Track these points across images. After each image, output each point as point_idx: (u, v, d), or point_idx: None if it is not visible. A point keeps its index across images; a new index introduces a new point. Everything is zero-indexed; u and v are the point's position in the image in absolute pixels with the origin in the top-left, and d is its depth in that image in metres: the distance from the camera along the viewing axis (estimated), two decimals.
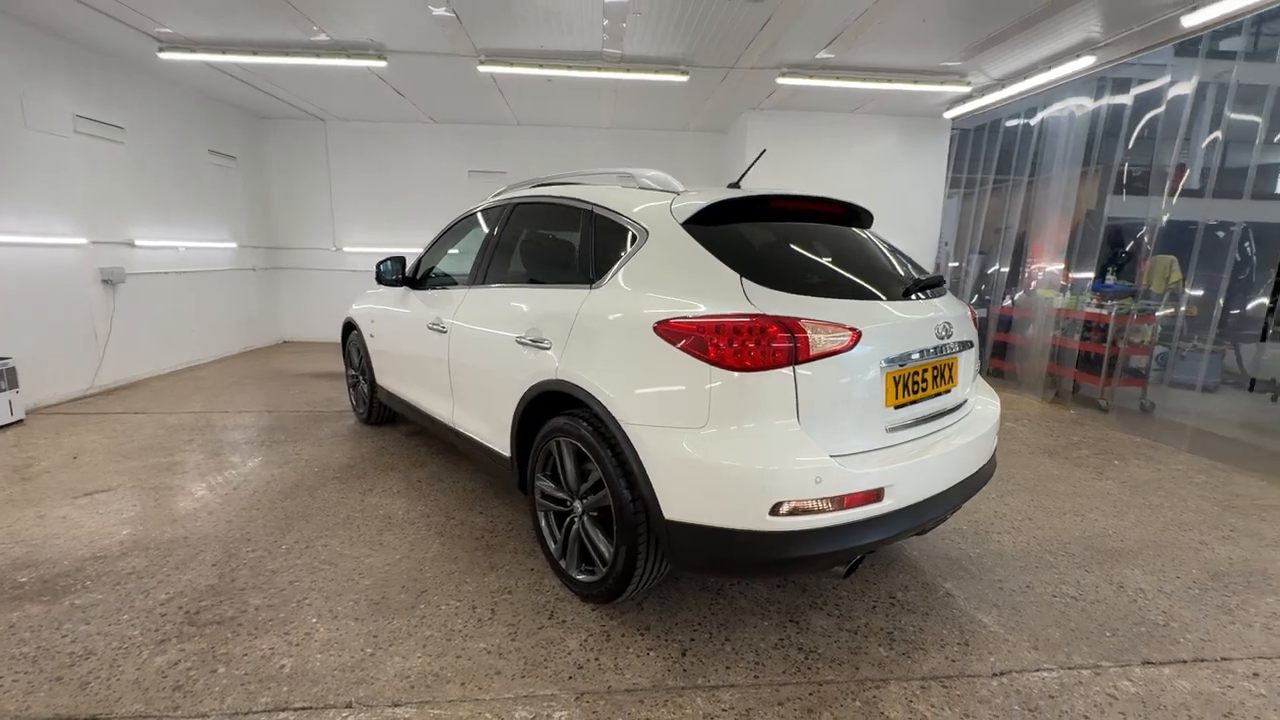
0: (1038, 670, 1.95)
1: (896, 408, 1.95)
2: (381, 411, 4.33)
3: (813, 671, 1.92)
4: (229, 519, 2.92)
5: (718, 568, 1.96)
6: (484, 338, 2.73)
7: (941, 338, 2.08)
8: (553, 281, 2.52)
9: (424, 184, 8.15)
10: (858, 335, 1.82)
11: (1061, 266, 6.23)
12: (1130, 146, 7.15)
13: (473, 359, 2.82)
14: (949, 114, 6.75)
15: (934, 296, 2.25)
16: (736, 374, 1.73)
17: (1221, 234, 7.92)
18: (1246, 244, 8.36)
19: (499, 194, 3.28)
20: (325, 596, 2.29)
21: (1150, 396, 5.45)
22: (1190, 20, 3.95)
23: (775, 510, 1.69)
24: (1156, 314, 5.50)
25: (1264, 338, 5.64)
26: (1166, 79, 5.92)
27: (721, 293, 1.86)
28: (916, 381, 2.02)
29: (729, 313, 1.79)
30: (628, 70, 5.41)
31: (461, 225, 3.51)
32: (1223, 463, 4.06)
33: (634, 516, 1.95)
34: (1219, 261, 5.52)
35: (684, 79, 5.52)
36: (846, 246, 2.32)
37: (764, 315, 1.76)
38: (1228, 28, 4.33)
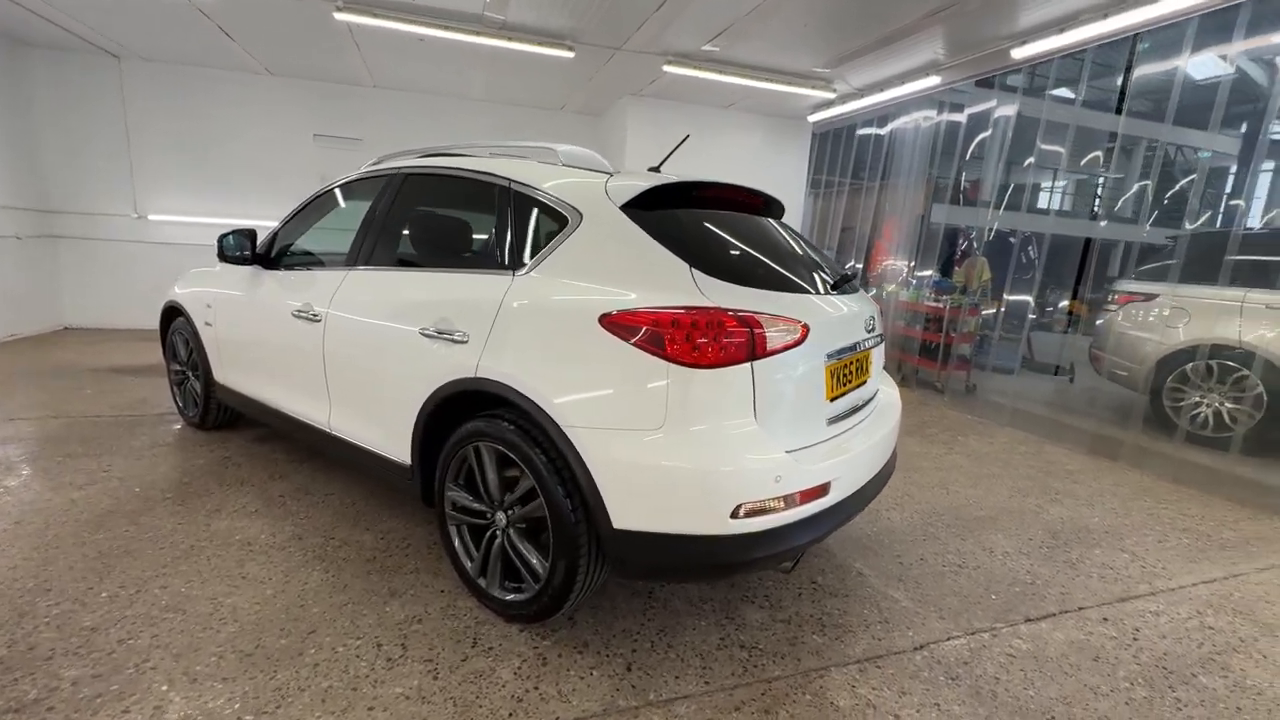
0: (948, 639, 2.11)
1: (832, 400, 1.98)
2: (220, 413, 3.63)
3: (759, 669, 1.90)
4: (12, 564, 2.23)
5: (672, 574, 1.87)
6: (374, 329, 2.34)
7: (868, 331, 2.15)
8: (462, 265, 2.22)
9: (258, 146, 7.00)
10: (806, 330, 1.80)
11: (903, 264, 7.00)
12: (953, 163, 8.17)
13: (359, 353, 2.42)
14: (812, 118, 7.22)
15: (852, 292, 2.33)
16: (695, 370, 1.63)
17: (1013, 240, 9.36)
18: (1030, 248, 10.06)
19: (376, 163, 2.85)
20: (174, 654, 1.82)
21: (972, 379, 6.33)
22: (1019, 53, 4.56)
23: (736, 513, 1.62)
24: (976, 309, 6.37)
25: (1066, 330, 6.77)
26: (991, 103, 6.87)
27: (671, 283, 1.74)
28: (846, 374, 2.06)
29: (684, 305, 1.67)
30: (509, 39, 5.04)
31: (330, 196, 3.01)
32: (1035, 435, 4.81)
33: (574, 527, 1.78)
34: (1012, 263, 6.52)
35: (569, 55, 5.27)
36: (772, 238, 2.31)
37: (721, 309, 1.67)
38: (1013, 72, 5.09)
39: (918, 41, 4.95)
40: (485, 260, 2.14)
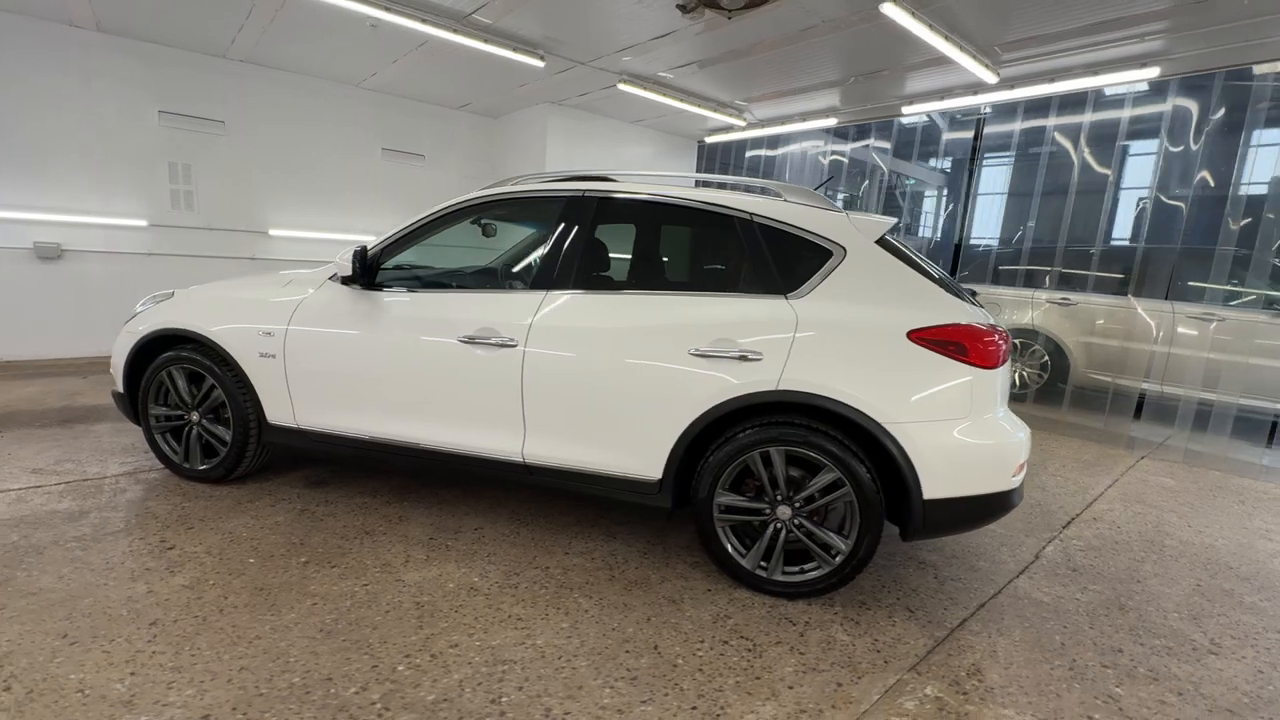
0: (1045, 548, 2.99)
1: None
2: (259, 457, 3.03)
3: (977, 594, 2.52)
4: (239, 667, 1.82)
5: (959, 526, 2.37)
6: (618, 351, 2.38)
7: None
8: (723, 289, 2.42)
9: (80, 120, 5.43)
10: (1009, 338, 2.47)
11: None
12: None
13: (591, 377, 2.41)
14: (710, 139, 8.06)
15: None
16: (988, 371, 2.18)
17: None
18: None
19: (516, 182, 2.79)
20: (567, 697, 1.78)
21: None
22: (908, 109, 5.90)
23: (1014, 472, 2.22)
24: None
25: None
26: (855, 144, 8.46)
27: (941, 303, 2.25)
28: None
29: (967, 322, 2.20)
30: (485, 41, 4.84)
31: (457, 214, 2.78)
32: None
33: (879, 506, 2.20)
34: None
35: (539, 64, 5.23)
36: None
37: (994, 324, 2.25)
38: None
39: (828, 91, 6.02)
40: (750, 284, 2.38)
